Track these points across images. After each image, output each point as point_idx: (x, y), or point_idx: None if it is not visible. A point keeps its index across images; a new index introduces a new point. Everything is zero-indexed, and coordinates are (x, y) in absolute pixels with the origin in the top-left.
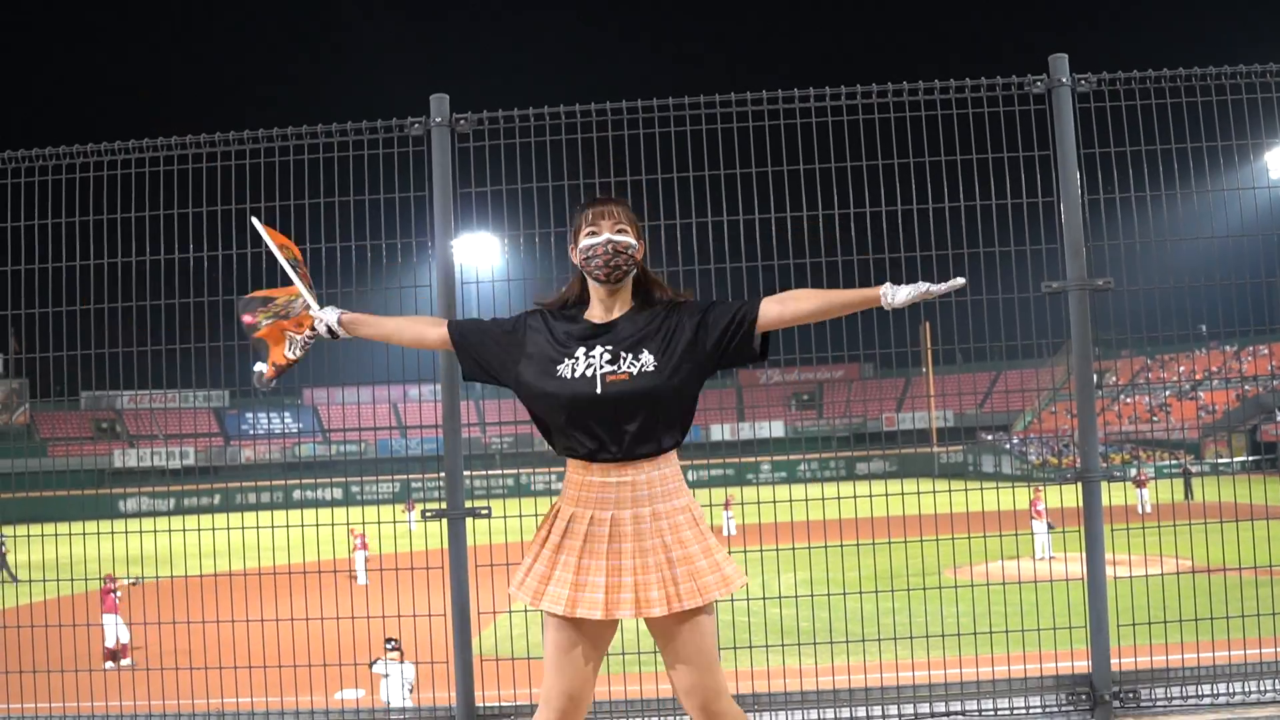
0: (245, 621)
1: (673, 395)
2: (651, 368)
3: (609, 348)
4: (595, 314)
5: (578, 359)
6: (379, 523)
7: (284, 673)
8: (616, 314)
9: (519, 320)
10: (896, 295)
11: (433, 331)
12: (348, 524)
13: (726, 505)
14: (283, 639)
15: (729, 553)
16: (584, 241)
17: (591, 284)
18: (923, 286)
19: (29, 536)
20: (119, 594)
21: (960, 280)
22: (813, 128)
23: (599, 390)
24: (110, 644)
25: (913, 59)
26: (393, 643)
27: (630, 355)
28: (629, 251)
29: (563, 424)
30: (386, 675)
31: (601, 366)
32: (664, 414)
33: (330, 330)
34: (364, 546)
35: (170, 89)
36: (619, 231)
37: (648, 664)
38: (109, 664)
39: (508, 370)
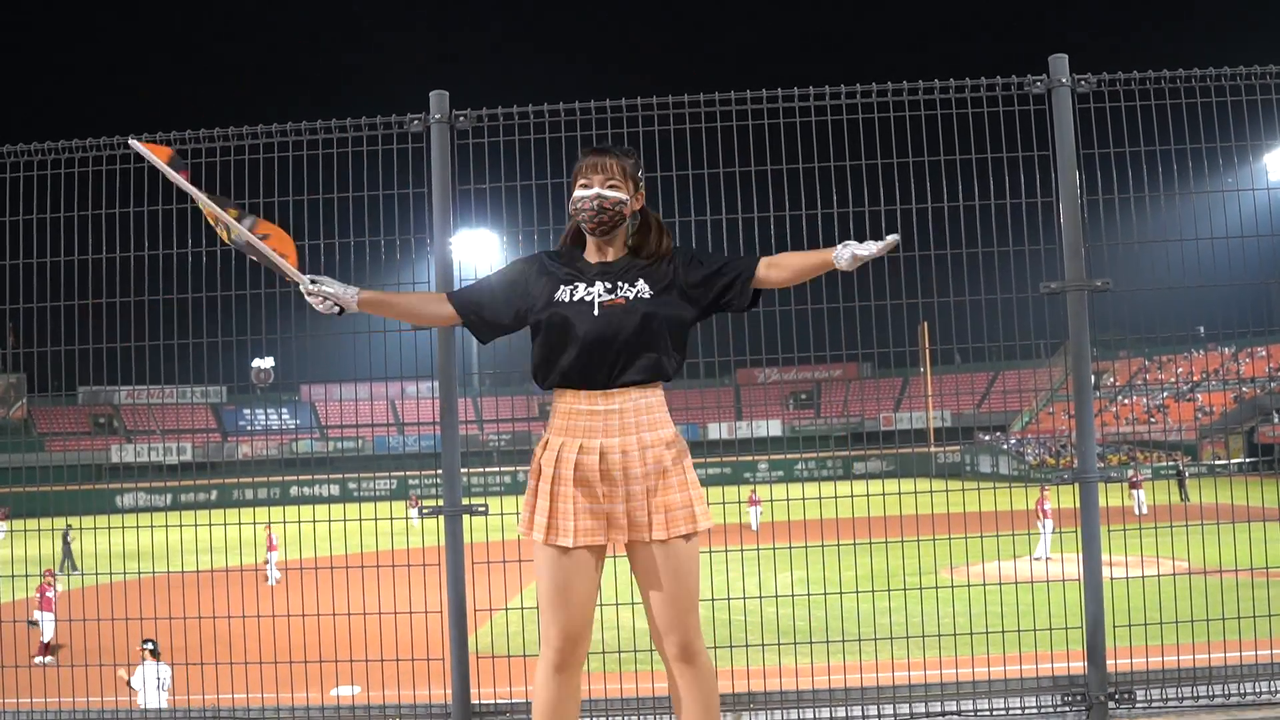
0: (241, 617)
1: (664, 322)
2: (647, 294)
3: (607, 279)
4: (592, 256)
5: (576, 287)
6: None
7: (280, 669)
8: (610, 258)
9: (522, 264)
10: (840, 258)
11: (444, 309)
12: (268, 522)
13: (752, 501)
14: (279, 635)
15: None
16: (575, 193)
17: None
18: (858, 248)
19: (25, 531)
20: (53, 592)
21: (894, 238)
22: (812, 126)
23: (595, 313)
24: (46, 639)
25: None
26: (150, 643)
27: (626, 284)
28: (617, 207)
29: (556, 346)
30: (137, 685)
31: (600, 295)
32: (655, 340)
33: (341, 309)
34: (273, 548)
35: (169, 85)
36: (610, 186)
37: (643, 663)
38: (39, 659)
39: (519, 316)
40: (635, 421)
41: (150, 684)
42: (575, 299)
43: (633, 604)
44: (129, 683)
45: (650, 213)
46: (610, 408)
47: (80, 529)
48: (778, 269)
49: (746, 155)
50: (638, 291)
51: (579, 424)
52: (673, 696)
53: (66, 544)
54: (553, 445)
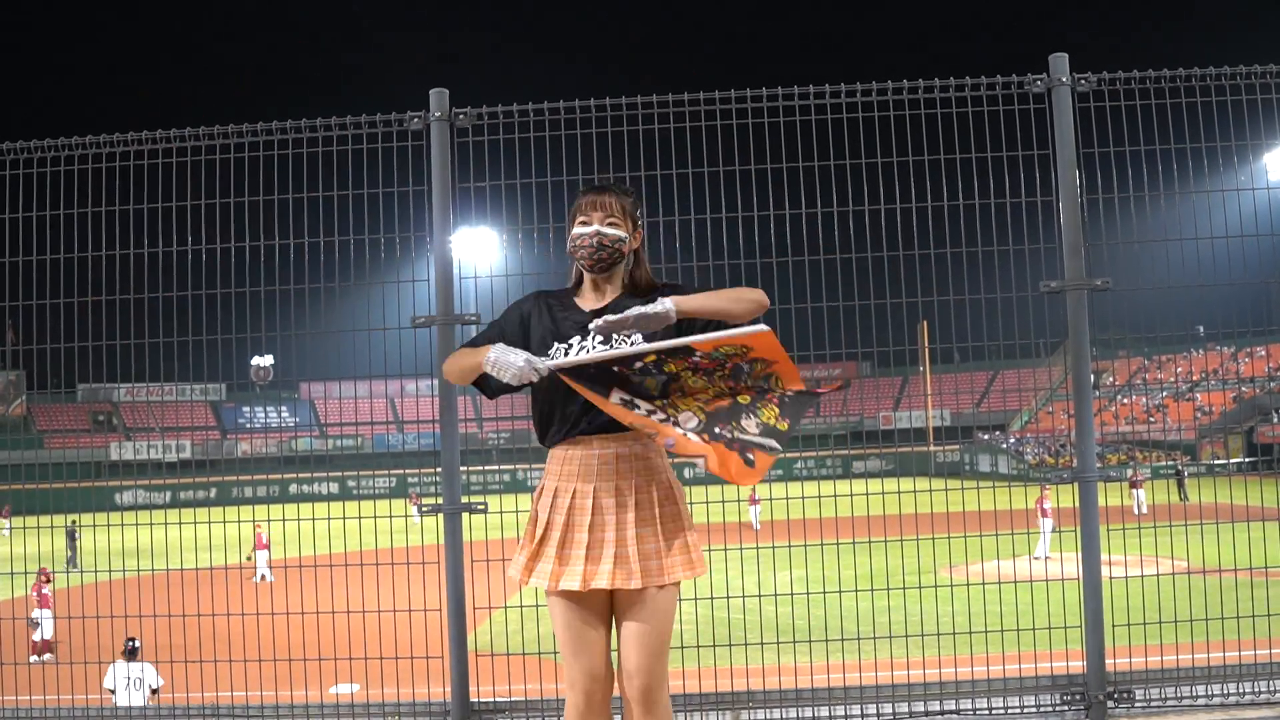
0: (240, 615)
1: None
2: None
3: (600, 333)
4: (588, 299)
5: (572, 344)
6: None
7: (280, 666)
8: (608, 297)
9: (521, 312)
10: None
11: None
12: (254, 521)
13: (752, 500)
14: (278, 632)
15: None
16: (575, 230)
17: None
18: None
19: (24, 528)
20: (49, 589)
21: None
22: (812, 126)
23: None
24: (38, 638)
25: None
26: (132, 642)
27: (620, 335)
28: (616, 245)
29: (556, 404)
30: (109, 685)
31: (594, 349)
32: None
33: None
34: (264, 545)
35: (169, 84)
36: (609, 224)
37: None
38: (34, 658)
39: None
40: (631, 468)
41: (121, 683)
42: (571, 356)
43: None
44: (111, 691)
45: (642, 254)
46: (605, 452)
47: (79, 526)
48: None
49: (746, 154)
50: (632, 343)
51: (572, 469)
52: None
53: (71, 540)
54: (548, 490)
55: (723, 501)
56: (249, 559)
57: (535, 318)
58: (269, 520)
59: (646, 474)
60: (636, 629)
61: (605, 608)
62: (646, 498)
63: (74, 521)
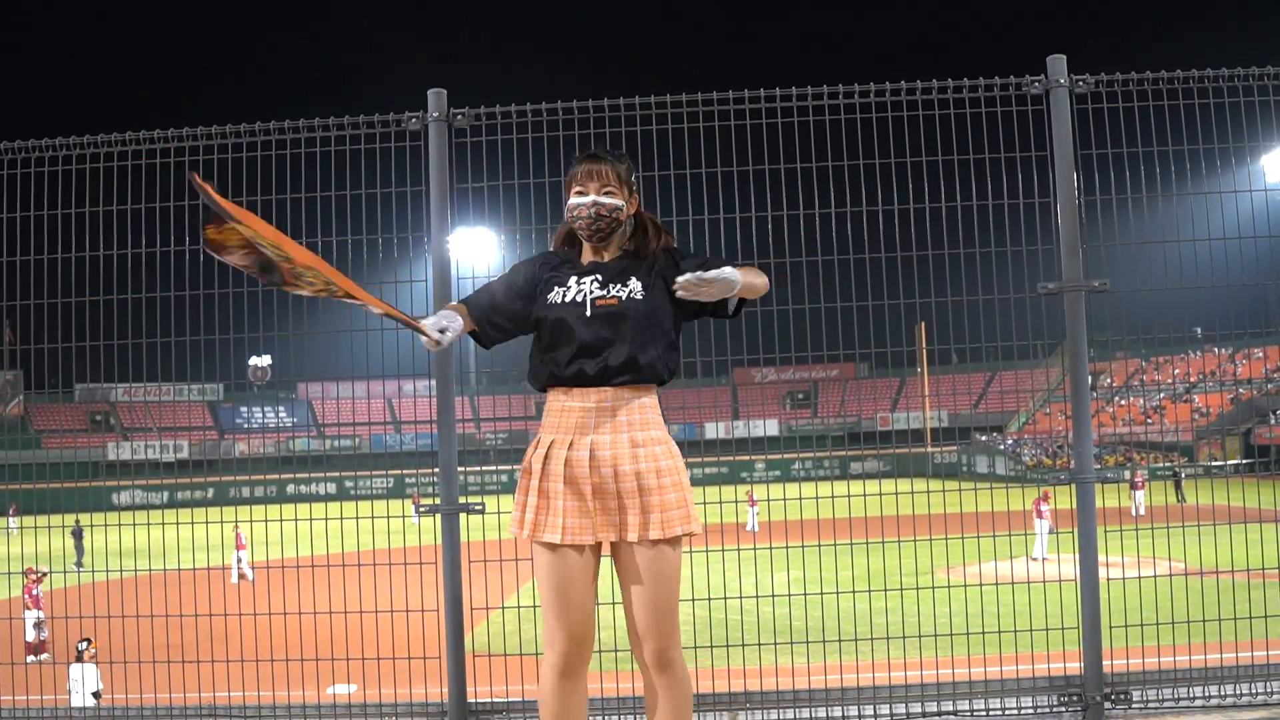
0: (238, 615)
1: (656, 321)
2: (640, 295)
3: (598, 277)
4: (587, 256)
5: (569, 286)
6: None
7: (276, 667)
8: (608, 257)
9: (524, 266)
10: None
11: (468, 322)
12: (236, 522)
13: (751, 501)
14: (275, 633)
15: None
16: (571, 199)
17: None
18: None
19: (22, 529)
20: (40, 590)
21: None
22: (811, 126)
23: (588, 313)
24: (30, 638)
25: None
26: (86, 642)
27: (618, 283)
28: (614, 214)
29: (549, 346)
30: (70, 688)
31: (592, 292)
32: (647, 339)
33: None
34: (242, 546)
35: (169, 85)
36: (606, 193)
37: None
38: (30, 658)
39: (522, 318)
40: (627, 420)
41: (75, 685)
42: (568, 300)
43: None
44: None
45: (646, 214)
46: (602, 404)
47: (84, 526)
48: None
49: (744, 155)
50: (630, 291)
51: (569, 421)
52: (647, 701)
53: (78, 540)
54: (543, 443)
55: (720, 502)
56: (239, 562)
57: (541, 267)
58: (250, 520)
59: (644, 426)
60: (643, 589)
61: (594, 567)
62: (647, 451)
63: (78, 521)
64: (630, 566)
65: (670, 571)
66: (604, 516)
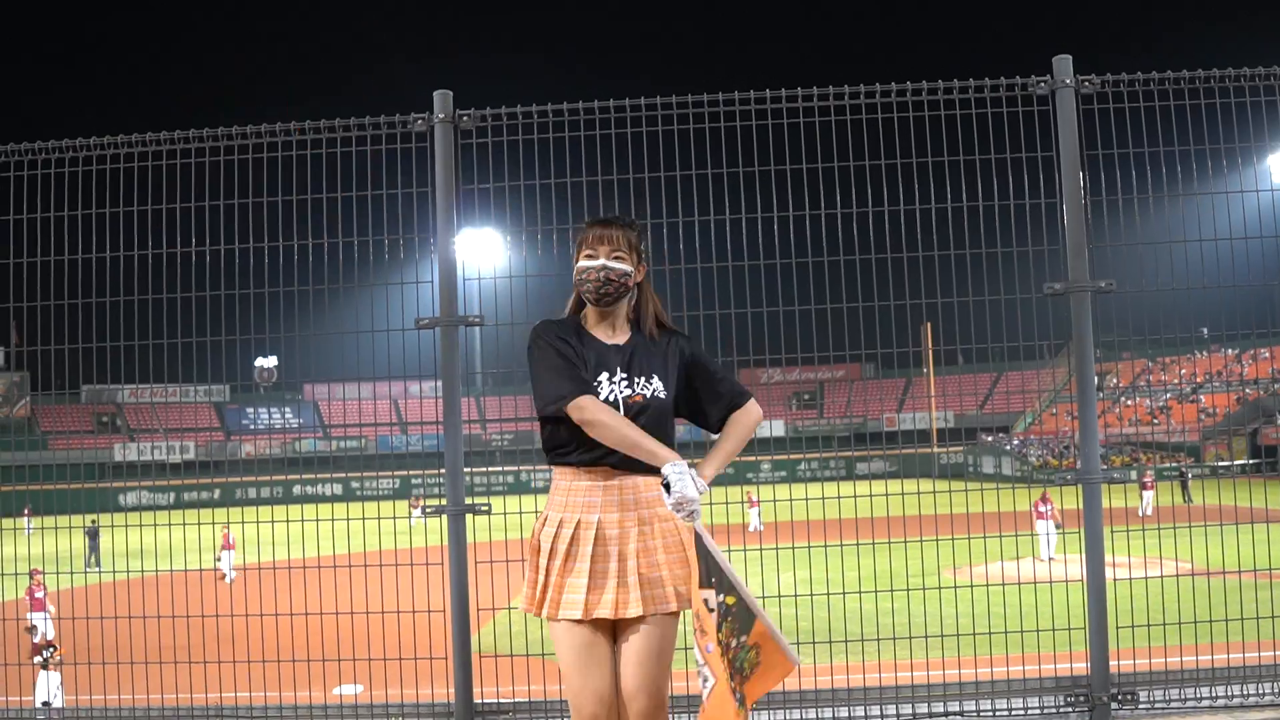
0: (245, 616)
1: (668, 413)
2: (663, 393)
3: (624, 374)
4: (600, 333)
5: (600, 383)
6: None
7: (283, 667)
8: (619, 333)
9: (567, 340)
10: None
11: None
12: (227, 523)
13: (753, 503)
14: (282, 634)
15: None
16: (580, 263)
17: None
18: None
19: (42, 529)
20: (43, 591)
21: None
22: (816, 127)
23: (621, 411)
24: (38, 640)
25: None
26: (51, 649)
27: (643, 379)
28: (622, 279)
29: (582, 433)
30: (43, 697)
31: (621, 390)
32: (664, 434)
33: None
34: (229, 546)
35: (170, 85)
36: (615, 258)
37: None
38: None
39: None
40: (635, 499)
41: (40, 692)
42: (601, 397)
43: None
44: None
45: (647, 286)
46: (610, 483)
47: (99, 526)
48: (730, 425)
49: (749, 156)
50: (654, 390)
51: (578, 500)
52: None
53: (93, 540)
54: (551, 521)
55: (726, 503)
56: (218, 560)
57: (578, 343)
58: (256, 521)
59: (649, 504)
60: (637, 651)
61: (609, 632)
62: (650, 529)
63: (94, 521)
64: (630, 632)
65: (667, 640)
66: (611, 593)
